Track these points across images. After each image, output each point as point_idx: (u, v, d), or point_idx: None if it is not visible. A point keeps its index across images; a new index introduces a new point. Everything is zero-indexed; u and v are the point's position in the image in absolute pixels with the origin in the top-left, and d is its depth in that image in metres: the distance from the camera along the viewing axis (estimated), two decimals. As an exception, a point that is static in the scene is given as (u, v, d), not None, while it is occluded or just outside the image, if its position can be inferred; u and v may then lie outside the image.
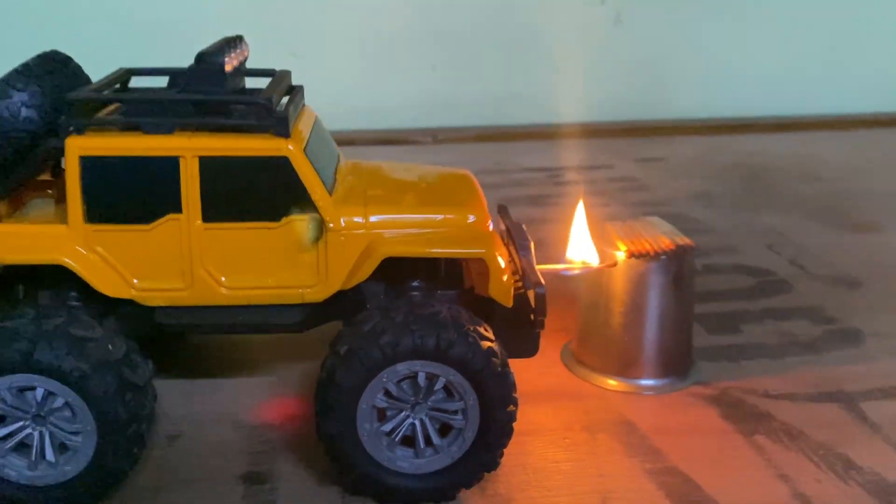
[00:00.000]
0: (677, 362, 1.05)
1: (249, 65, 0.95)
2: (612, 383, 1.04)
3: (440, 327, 0.78)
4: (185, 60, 0.87)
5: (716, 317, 1.22)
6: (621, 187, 1.81)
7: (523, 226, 0.98)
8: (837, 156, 2.01)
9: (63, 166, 0.86)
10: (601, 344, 1.05)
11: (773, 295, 1.29)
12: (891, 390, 1.03)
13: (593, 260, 1.01)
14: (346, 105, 2.12)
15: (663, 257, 1.00)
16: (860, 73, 2.33)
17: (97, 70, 0.94)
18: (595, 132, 2.19)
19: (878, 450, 0.92)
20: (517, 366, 0.85)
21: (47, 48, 0.91)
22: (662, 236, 1.03)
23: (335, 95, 2.09)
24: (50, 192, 0.93)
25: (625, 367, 1.04)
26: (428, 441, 0.82)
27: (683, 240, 1.02)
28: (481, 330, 0.81)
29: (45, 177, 0.93)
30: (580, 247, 1.02)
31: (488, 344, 0.80)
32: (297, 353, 1.07)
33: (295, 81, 0.96)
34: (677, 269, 1.01)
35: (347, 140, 2.10)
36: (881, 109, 2.31)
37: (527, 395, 1.00)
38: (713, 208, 1.67)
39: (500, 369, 0.80)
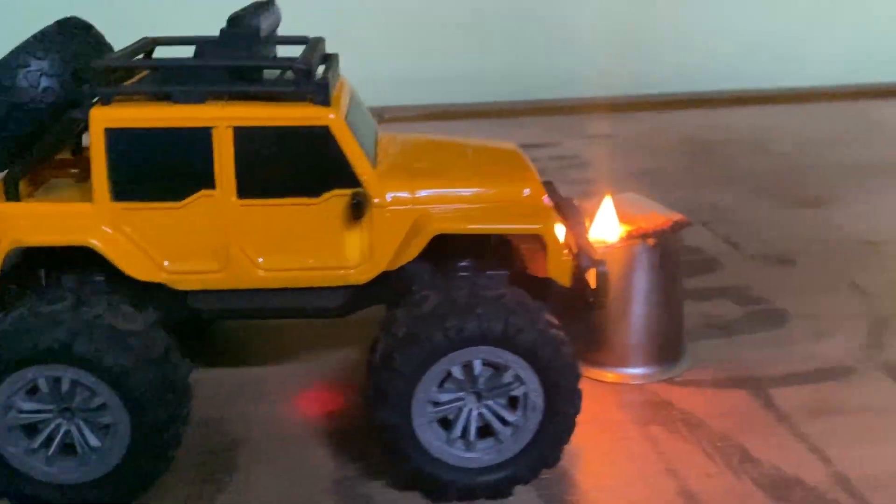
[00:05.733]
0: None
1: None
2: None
3: (508, 312, 0.72)
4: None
5: (634, 299, 1.15)
6: (562, 165, 1.73)
7: (575, 201, 0.91)
8: (794, 129, 1.94)
9: (85, 142, 0.80)
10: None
11: (700, 275, 1.22)
12: (807, 375, 0.97)
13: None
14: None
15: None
16: (821, 47, 2.24)
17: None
18: (546, 109, 2.11)
19: (780, 440, 0.86)
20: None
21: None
22: (654, 213, 0.98)
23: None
24: (72, 170, 0.87)
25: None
26: (485, 433, 0.77)
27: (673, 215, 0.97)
28: (548, 316, 0.75)
29: (64, 155, 0.87)
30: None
31: (558, 332, 0.74)
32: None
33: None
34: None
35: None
36: (842, 82, 2.23)
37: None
38: (655, 186, 1.59)
39: (570, 360, 0.74)
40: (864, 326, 1.07)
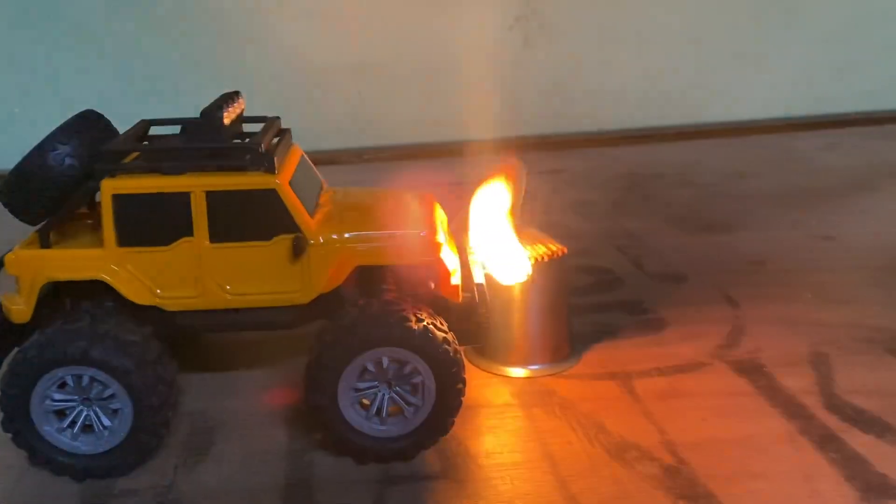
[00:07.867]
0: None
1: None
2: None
3: (404, 321, 0.99)
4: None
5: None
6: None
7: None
8: (719, 162, 2.19)
9: (97, 201, 1.08)
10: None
11: (604, 291, 1.48)
12: (665, 369, 1.22)
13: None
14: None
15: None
16: (753, 83, 2.50)
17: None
18: (505, 147, 2.38)
19: (630, 418, 1.11)
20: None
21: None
22: (541, 245, 1.24)
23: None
24: (87, 221, 1.13)
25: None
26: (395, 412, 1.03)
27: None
28: (437, 323, 1.02)
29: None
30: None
31: (442, 335, 1.01)
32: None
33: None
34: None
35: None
36: (765, 116, 2.49)
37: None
38: (586, 216, 1.86)
39: (451, 355, 1.01)
40: (725, 332, 1.32)
